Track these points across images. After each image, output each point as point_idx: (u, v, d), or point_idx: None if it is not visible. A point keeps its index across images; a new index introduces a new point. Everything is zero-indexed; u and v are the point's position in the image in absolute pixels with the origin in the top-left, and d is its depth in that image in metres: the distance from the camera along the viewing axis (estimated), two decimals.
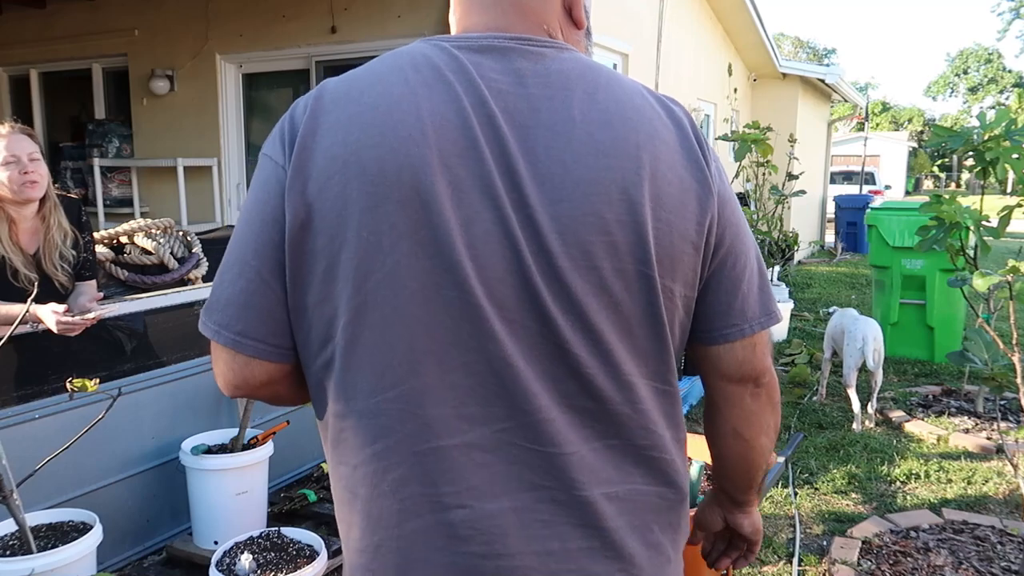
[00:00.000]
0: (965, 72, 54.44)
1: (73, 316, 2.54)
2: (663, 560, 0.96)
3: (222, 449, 2.96)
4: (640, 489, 0.93)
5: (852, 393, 4.51)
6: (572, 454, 0.88)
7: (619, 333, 0.90)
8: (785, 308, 6.81)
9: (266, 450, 2.95)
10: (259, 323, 0.90)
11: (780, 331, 6.71)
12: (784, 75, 11.47)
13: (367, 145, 0.86)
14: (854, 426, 4.48)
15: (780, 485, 3.65)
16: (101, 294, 2.91)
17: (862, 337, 4.47)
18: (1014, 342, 2.47)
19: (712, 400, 1.07)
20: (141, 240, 3.84)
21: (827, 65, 15.37)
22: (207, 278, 3.84)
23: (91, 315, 2.57)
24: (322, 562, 2.52)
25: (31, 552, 2.14)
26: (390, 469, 0.88)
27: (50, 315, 2.49)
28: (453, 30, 1.01)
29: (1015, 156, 3.39)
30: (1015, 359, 2.49)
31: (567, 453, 0.88)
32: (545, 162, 0.88)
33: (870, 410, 4.60)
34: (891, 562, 2.94)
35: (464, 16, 0.99)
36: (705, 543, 1.27)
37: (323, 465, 3.53)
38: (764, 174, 7.49)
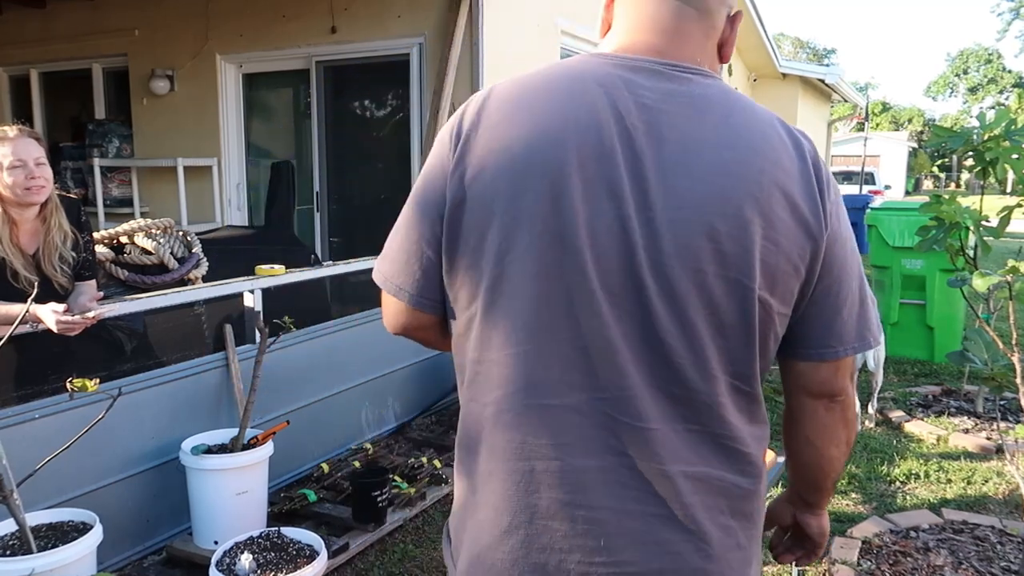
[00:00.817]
0: (965, 72, 54.43)
1: (73, 316, 2.54)
2: (732, 543, 1.04)
3: (222, 449, 2.96)
4: (716, 474, 1.02)
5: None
6: (656, 430, 0.99)
7: (712, 332, 1.00)
8: None
9: (266, 450, 2.95)
10: (415, 280, 1.09)
11: None
12: (784, 75, 11.48)
13: (518, 143, 1.01)
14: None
15: (780, 485, 3.65)
16: (101, 294, 2.91)
17: None
18: (1014, 342, 2.47)
19: (791, 409, 1.17)
20: (141, 240, 3.84)
21: (827, 65, 15.37)
22: (207, 278, 3.84)
23: (91, 314, 2.57)
24: (322, 562, 2.52)
25: (31, 552, 2.14)
26: (502, 414, 1.03)
27: (50, 315, 2.49)
28: (609, 39, 1.12)
29: (1015, 156, 3.39)
30: (1015, 359, 2.49)
31: (651, 428, 0.99)
32: (673, 173, 0.99)
33: (870, 410, 4.61)
34: (891, 562, 2.94)
35: (629, 33, 1.09)
36: (774, 536, 1.35)
37: (323, 465, 3.53)
38: None
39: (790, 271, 1.01)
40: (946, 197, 3.72)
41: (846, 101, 15.55)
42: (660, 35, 1.07)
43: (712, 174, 0.99)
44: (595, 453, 1.00)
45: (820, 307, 1.06)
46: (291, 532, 2.68)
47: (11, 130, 2.66)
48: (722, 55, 1.14)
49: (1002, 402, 4.67)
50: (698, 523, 1.01)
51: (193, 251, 3.93)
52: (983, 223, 3.53)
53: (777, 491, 3.57)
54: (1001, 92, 51.30)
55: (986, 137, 3.45)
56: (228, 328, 3.29)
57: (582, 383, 0.99)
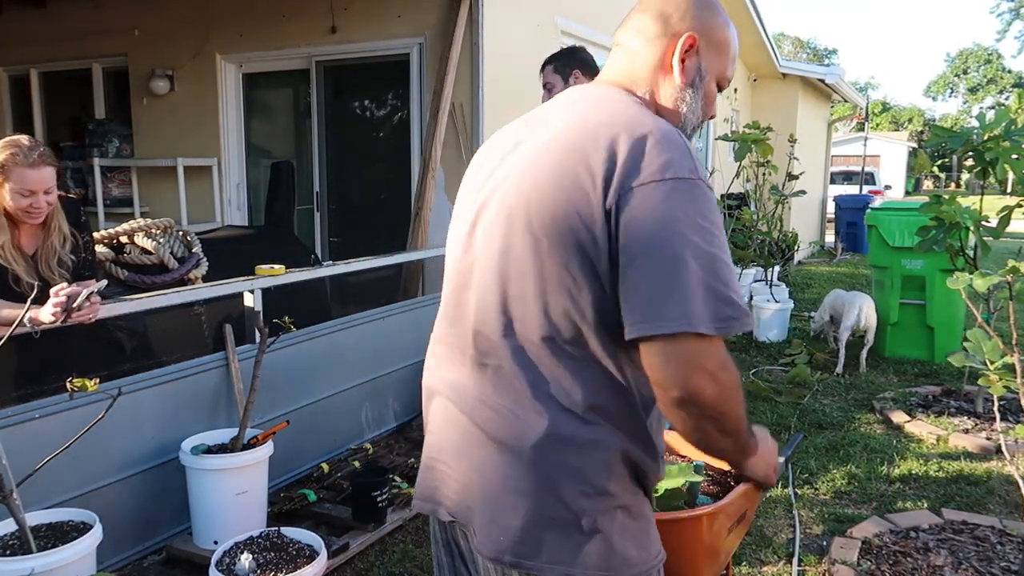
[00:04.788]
0: (965, 72, 54.45)
1: (63, 298, 2.45)
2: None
3: (222, 449, 2.96)
4: None
5: (842, 348, 5.76)
6: None
7: None
8: (785, 308, 6.82)
9: (266, 450, 2.95)
10: None
11: (780, 331, 6.72)
12: (784, 75, 11.47)
13: None
14: (837, 369, 5.67)
15: (780, 485, 3.65)
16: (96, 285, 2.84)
17: (859, 307, 5.76)
18: (1014, 342, 2.47)
19: None
20: (141, 240, 3.84)
21: (827, 65, 15.38)
22: (207, 278, 3.84)
23: (84, 294, 2.45)
24: (322, 562, 2.52)
25: (31, 552, 2.14)
26: None
27: (47, 314, 2.45)
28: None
29: (1014, 156, 3.39)
30: (1015, 359, 2.49)
31: None
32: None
33: (862, 357, 5.79)
34: (891, 562, 2.94)
35: None
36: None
37: (323, 465, 3.53)
38: (764, 174, 7.48)
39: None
40: (946, 197, 3.72)
41: (846, 101, 15.54)
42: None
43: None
44: None
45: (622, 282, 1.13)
46: (291, 532, 2.68)
47: (33, 151, 2.62)
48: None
49: (1002, 402, 4.67)
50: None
51: (193, 251, 3.93)
52: (983, 223, 3.53)
53: (777, 490, 3.58)
54: (1001, 92, 51.31)
55: (986, 137, 3.45)
56: (228, 328, 3.28)
57: None
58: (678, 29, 1.28)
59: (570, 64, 3.29)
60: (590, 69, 3.29)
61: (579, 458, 1.18)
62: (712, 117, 1.37)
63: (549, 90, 3.31)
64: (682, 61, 1.28)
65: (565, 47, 3.42)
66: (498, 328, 1.22)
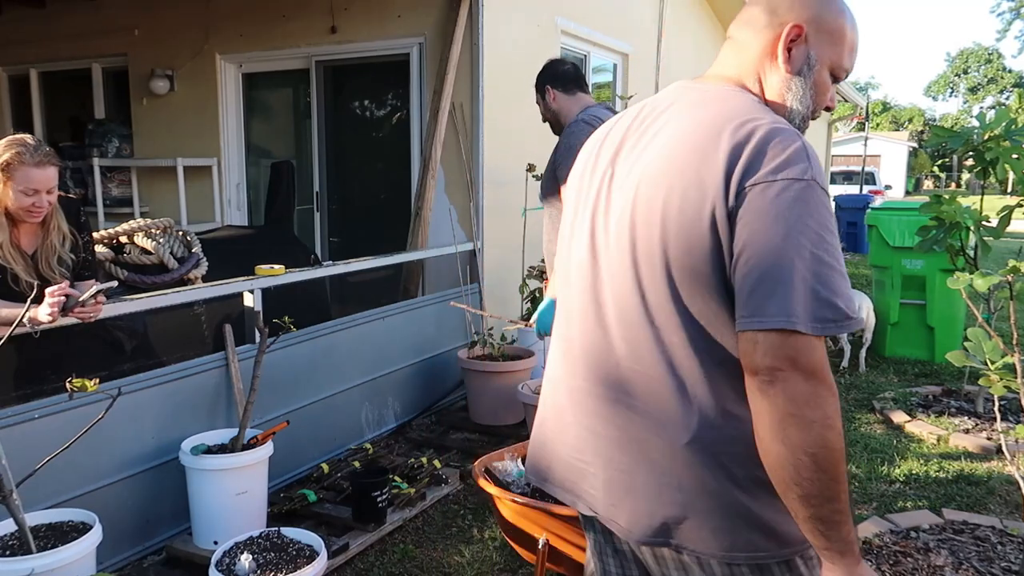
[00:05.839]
0: (965, 72, 54.48)
1: (60, 298, 2.44)
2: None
3: (222, 449, 2.96)
4: None
5: (846, 345, 5.91)
6: None
7: None
8: None
9: (266, 450, 2.95)
10: None
11: None
12: None
13: None
14: (843, 364, 5.78)
15: None
16: (105, 284, 2.85)
17: (857, 306, 5.51)
18: (1014, 342, 2.46)
19: None
20: (141, 240, 3.84)
21: None
22: (207, 278, 3.84)
23: (91, 292, 2.46)
24: (322, 562, 2.52)
25: (31, 552, 2.14)
26: None
27: (45, 314, 2.45)
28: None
29: (1015, 156, 3.39)
30: (1015, 359, 2.48)
31: None
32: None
33: (861, 357, 5.85)
34: (891, 562, 2.94)
35: None
36: None
37: (323, 465, 3.53)
38: None
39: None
40: (946, 197, 3.72)
41: (846, 101, 15.55)
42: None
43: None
44: None
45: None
46: (291, 532, 2.68)
47: (39, 152, 2.61)
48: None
49: (1002, 402, 4.67)
50: None
51: (193, 251, 3.93)
52: (983, 223, 3.53)
53: None
54: (1001, 92, 51.35)
55: (986, 137, 3.45)
56: (228, 328, 3.28)
57: None
58: (785, 19, 1.28)
59: (543, 81, 3.49)
60: (560, 79, 3.44)
61: (725, 452, 1.20)
62: (829, 109, 1.35)
63: (538, 105, 3.55)
64: (788, 50, 1.28)
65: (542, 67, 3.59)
66: (645, 336, 1.23)
